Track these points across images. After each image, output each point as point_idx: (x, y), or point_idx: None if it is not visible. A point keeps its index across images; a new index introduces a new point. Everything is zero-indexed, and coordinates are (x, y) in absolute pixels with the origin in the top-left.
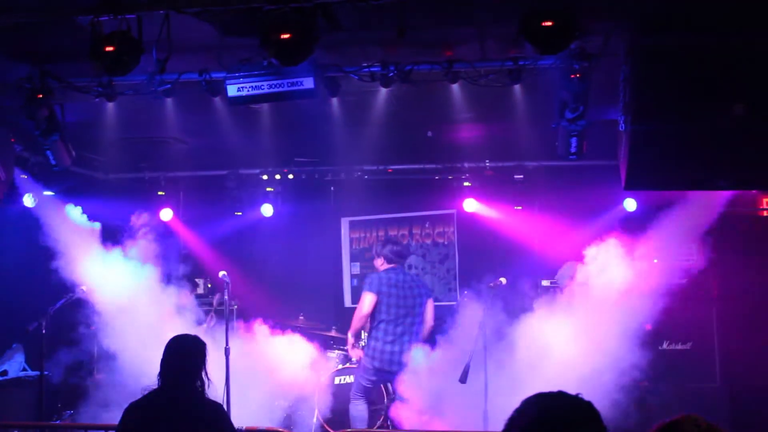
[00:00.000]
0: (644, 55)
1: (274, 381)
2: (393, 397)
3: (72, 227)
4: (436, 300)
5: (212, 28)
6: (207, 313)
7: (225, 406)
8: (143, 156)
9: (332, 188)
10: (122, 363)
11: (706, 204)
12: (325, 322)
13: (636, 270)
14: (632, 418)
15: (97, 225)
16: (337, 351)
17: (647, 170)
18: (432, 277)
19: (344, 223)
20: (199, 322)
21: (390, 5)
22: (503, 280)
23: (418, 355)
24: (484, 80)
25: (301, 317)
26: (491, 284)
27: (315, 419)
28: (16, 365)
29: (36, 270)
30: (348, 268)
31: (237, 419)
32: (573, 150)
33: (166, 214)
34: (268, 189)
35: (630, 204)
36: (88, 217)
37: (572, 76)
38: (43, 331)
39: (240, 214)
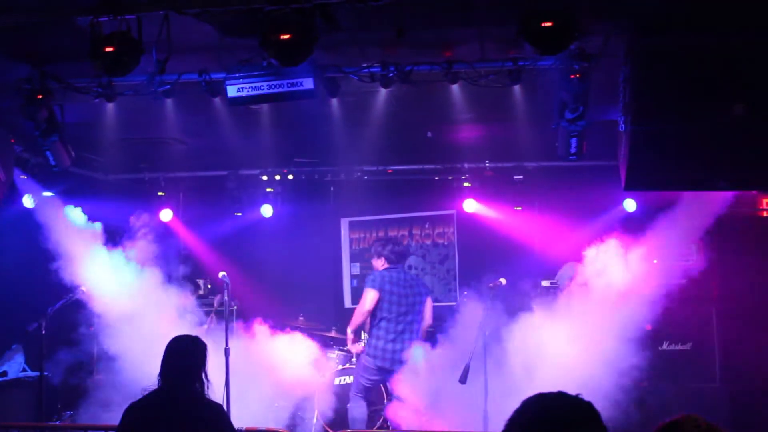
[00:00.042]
0: (644, 55)
1: (274, 381)
2: (392, 397)
3: (72, 228)
4: (436, 300)
5: (212, 29)
6: (207, 314)
7: (225, 407)
8: (143, 157)
9: (332, 189)
10: (122, 363)
11: (706, 204)
12: (325, 322)
13: (636, 270)
14: (632, 418)
15: (98, 225)
16: (337, 351)
17: (647, 171)
18: (432, 278)
19: (344, 224)
20: (200, 323)
21: (389, 6)
22: (503, 280)
23: (418, 356)
24: (483, 81)
25: (301, 318)
26: (491, 285)
27: (315, 419)
28: (15, 366)
29: (36, 271)
30: (348, 269)
31: (237, 420)
32: (573, 150)
33: (166, 215)
34: (268, 189)
35: (630, 204)
36: (88, 217)
37: (572, 77)
38: (43, 332)
39: (240, 214)
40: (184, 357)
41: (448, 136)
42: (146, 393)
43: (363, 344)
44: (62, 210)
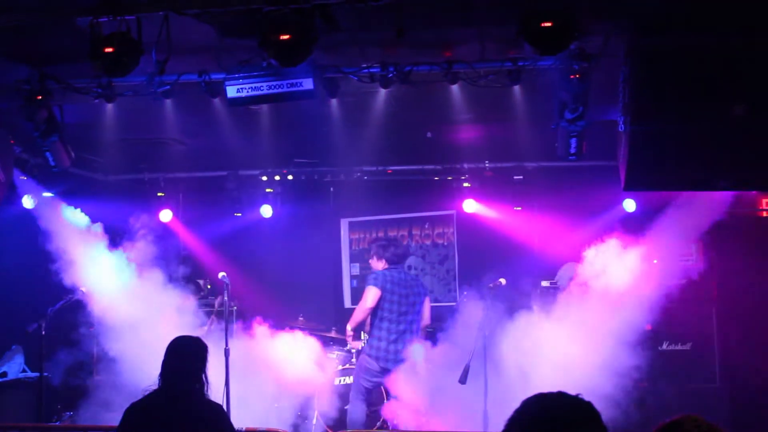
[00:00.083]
0: (644, 55)
1: (275, 382)
2: (391, 397)
3: (71, 229)
4: (435, 301)
5: (211, 29)
6: (208, 314)
7: (225, 407)
8: (143, 157)
9: (332, 189)
10: (122, 364)
11: (706, 205)
12: (324, 322)
13: (635, 271)
14: (632, 418)
15: (96, 226)
16: (337, 351)
17: (647, 171)
18: (432, 278)
19: (344, 224)
20: (201, 324)
21: (389, 6)
22: (503, 280)
23: (418, 357)
24: (483, 81)
25: (301, 318)
26: (491, 285)
27: (315, 420)
28: (15, 367)
29: (35, 271)
30: (347, 269)
31: (237, 420)
32: (572, 150)
33: (166, 216)
34: (268, 190)
35: (629, 205)
36: (88, 218)
37: (572, 77)
38: (43, 333)
39: (240, 215)
40: (185, 358)
41: (447, 136)
42: (147, 393)
43: (363, 343)
44: (61, 211)
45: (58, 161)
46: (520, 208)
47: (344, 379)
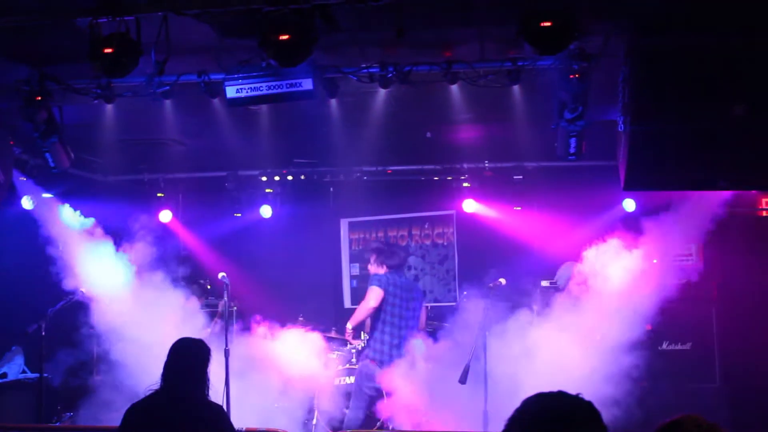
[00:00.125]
0: (644, 55)
1: (274, 382)
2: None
3: (71, 229)
4: (435, 301)
5: (211, 30)
6: (212, 316)
7: (225, 408)
8: (142, 158)
9: (331, 189)
10: (122, 365)
11: (706, 204)
12: (324, 323)
13: (635, 270)
14: (632, 418)
15: (96, 226)
16: (337, 352)
17: (646, 171)
18: (431, 278)
19: (343, 224)
20: (205, 326)
21: (389, 6)
22: (503, 280)
23: (419, 352)
24: (483, 81)
25: (301, 318)
26: (491, 285)
27: (315, 420)
28: (15, 367)
29: (35, 272)
30: (347, 269)
31: (237, 420)
32: (572, 150)
33: (166, 216)
34: (267, 190)
35: (629, 204)
36: (89, 219)
37: (571, 77)
38: (43, 333)
39: (239, 215)
40: (188, 359)
41: (447, 136)
42: (148, 393)
43: (363, 343)
44: (61, 211)
45: (57, 162)
46: (519, 208)
47: (345, 379)
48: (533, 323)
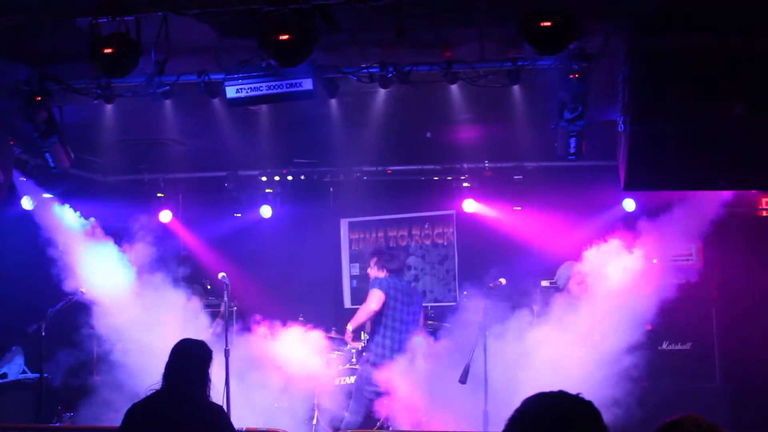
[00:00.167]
0: (644, 55)
1: (275, 382)
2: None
3: (71, 229)
4: (435, 301)
5: (211, 30)
6: (214, 316)
7: (225, 407)
8: (142, 158)
9: (331, 189)
10: (122, 365)
11: (706, 204)
12: (324, 323)
13: (635, 270)
14: (633, 417)
15: (97, 226)
16: (337, 352)
17: (646, 170)
18: (431, 278)
19: (343, 224)
20: (207, 326)
21: (389, 6)
22: (503, 280)
23: (418, 357)
24: (483, 81)
25: (301, 318)
26: (491, 285)
27: (315, 420)
28: (15, 368)
29: (35, 272)
30: (347, 269)
31: (238, 420)
32: (572, 150)
33: (166, 216)
34: (267, 190)
35: (629, 204)
36: (89, 219)
37: (571, 77)
38: (43, 334)
39: (239, 215)
40: (189, 360)
41: (447, 136)
42: (149, 393)
43: (363, 343)
44: (60, 211)
45: (57, 162)
46: (519, 208)
47: (345, 379)
48: (533, 323)
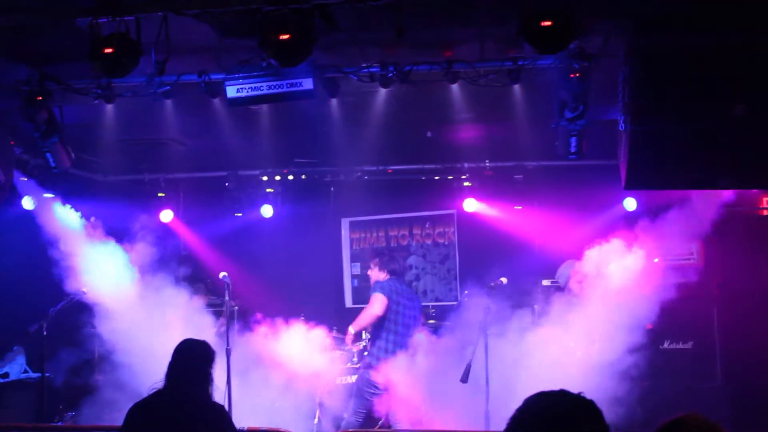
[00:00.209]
0: (644, 55)
1: (276, 381)
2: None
3: (72, 229)
4: (436, 300)
5: (211, 30)
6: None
7: (226, 407)
8: (143, 158)
9: (332, 189)
10: (124, 365)
11: (707, 203)
12: (325, 322)
13: (636, 269)
14: (634, 417)
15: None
16: (338, 351)
17: (647, 170)
18: (432, 277)
19: (344, 224)
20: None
21: (389, 6)
22: (504, 279)
23: (419, 356)
24: (483, 80)
25: (302, 318)
26: (492, 284)
27: (316, 419)
28: (17, 367)
29: (36, 272)
30: (348, 269)
31: (239, 419)
32: (573, 150)
33: (167, 216)
34: (268, 190)
35: (630, 203)
36: (91, 218)
37: (572, 76)
38: (44, 333)
39: (240, 215)
40: (191, 360)
41: (447, 135)
42: (151, 392)
43: (364, 343)
44: (61, 211)
45: (58, 162)
46: (520, 207)
47: (347, 378)
48: (534, 322)
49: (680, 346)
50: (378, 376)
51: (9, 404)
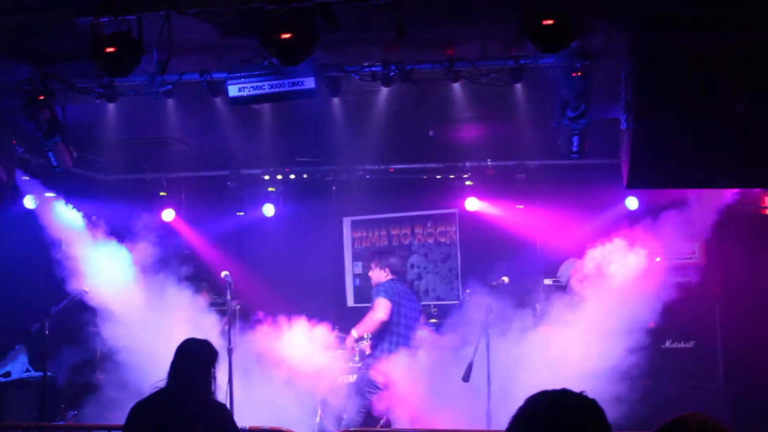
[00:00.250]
0: (645, 54)
1: (278, 379)
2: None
3: (74, 228)
4: (438, 299)
5: (213, 29)
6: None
7: (228, 406)
8: (145, 157)
9: (334, 188)
10: (126, 363)
11: (709, 202)
12: (327, 321)
13: (638, 268)
14: (636, 415)
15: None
16: (340, 350)
17: (649, 169)
18: (434, 276)
19: (346, 223)
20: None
21: (390, 5)
22: (505, 278)
23: (421, 355)
24: (485, 79)
25: (304, 317)
26: (493, 283)
27: (318, 418)
28: (19, 366)
29: (38, 271)
30: (350, 268)
31: (240, 418)
32: (574, 149)
33: (169, 215)
34: (270, 189)
35: (632, 202)
36: (91, 217)
37: (573, 75)
38: (46, 332)
39: (242, 214)
40: (193, 359)
41: (449, 134)
42: (154, 390)
43: (366, 342)
44: (63, 210)
45: (60, 161)
46: (522, 207)
47: (349, 377)
48: (536, 321)
49: (682, 345)
50: (378, 376)
51: (11, 403)
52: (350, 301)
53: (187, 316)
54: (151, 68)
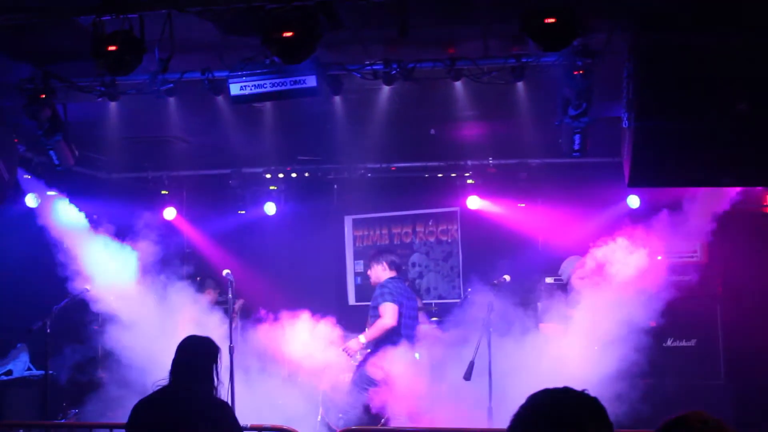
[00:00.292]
0: (647, 52)
1: (280, 378)
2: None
3: (76, 227)
4: (440, 297)
5: (214, 27)
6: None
7: (230, 404)
8: (146, 155)
9: (335, 186)
10: (128, 362)
11: (711, 201)
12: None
13: (640, 267)
14: (637, 413)
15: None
16: (342, 350)
17: (651, 167)
18: (436, 275)
19: (347, 221)
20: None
21: (392, 3)
22: (507, 277)
23: (422, 354)
24: (487, 77)
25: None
26: (495, 281)
27: (319, 417)
28: (20, 365)
29: (40, 270)
30: (352, 266)
31: (242, 417)
32: (576, 147)
33: (170, 213)
34: (272, 187)
35: (634, 201)
36: (93, 216)
37: (575, 73)
38: (48, 331)
39: (243, 212)
40: (194, 357)
41: (451, 133)
42: (156, 388)
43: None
44: (64, 209)
45: (61, 160)
46: (523, 205)
47: (350, 375)
48: (538, 319)
49: (683, 343)
50: (376, 372)
51: (13, 402)
52: (351, 300)
53: (189, 314)
54: (153, 67)
